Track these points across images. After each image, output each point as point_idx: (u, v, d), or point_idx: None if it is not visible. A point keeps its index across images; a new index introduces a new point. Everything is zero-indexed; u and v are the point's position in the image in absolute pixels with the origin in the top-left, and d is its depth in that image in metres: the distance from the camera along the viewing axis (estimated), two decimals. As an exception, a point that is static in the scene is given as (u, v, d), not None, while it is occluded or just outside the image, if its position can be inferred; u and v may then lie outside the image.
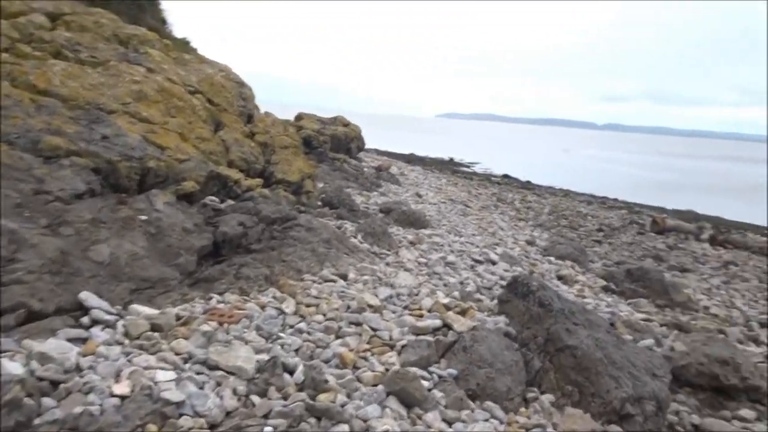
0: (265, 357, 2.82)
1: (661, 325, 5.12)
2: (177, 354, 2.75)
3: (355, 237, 5.45)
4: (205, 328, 3.04)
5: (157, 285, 3.45)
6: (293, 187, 6.10)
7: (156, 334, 2.88)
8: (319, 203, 6.79)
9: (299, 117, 13.95)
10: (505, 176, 29.22)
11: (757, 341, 5.66)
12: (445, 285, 4.72)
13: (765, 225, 20.08)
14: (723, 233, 15.45)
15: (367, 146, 36.12)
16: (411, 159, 31.70)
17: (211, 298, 3.56)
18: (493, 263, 6.05)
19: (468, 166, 36.14)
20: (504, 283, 5.17)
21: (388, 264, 5.00)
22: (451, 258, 5.53)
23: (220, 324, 3.18)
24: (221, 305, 3.48)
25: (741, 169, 67.39)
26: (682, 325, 5.14)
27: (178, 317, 3.14)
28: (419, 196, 10.41)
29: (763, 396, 3.94)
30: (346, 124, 14.06)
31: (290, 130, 6.93)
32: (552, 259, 7.55)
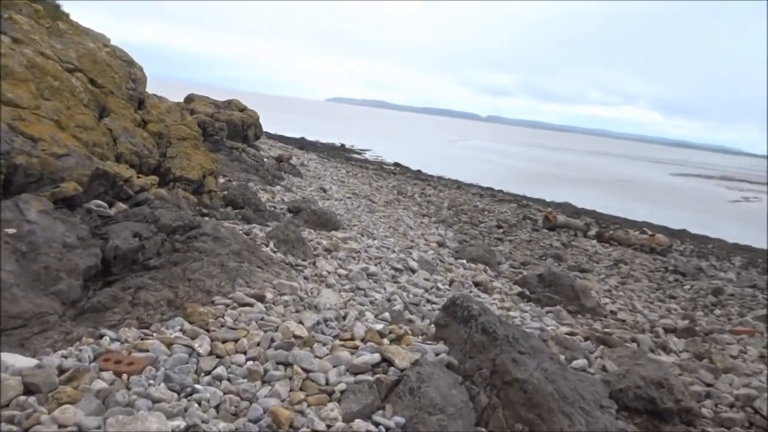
0: (180, 424, 2.23)
1: (585, 339, 5.03)
2: (62, 428, 2.09)
3: (267, 245, 4.86)
4: (99, 384, 2.38)
5: (31, 322, 2.72)
6: (194, 186, 5.35)
7: (32, 400, 2.20)
8: (222, 203, 6.09)
9: (189, 98, 12.83)
10: (397, 164, 29.59)
11: (666, 349, 5.78)
12: (371, 302, 4.29)
13: (635, 219, 21.70)
14: (604, 228, 16.34)
15: (258, 130, 34.53)
16: (303, 144, 31.08)
17: (102, 336, 2.88)
18: (413, 271, 5.72)
19: (360, 153, 36.14)
20: (430, 297, 4.84)
21: (306, 278, 4.48)
22: (372, 268, 5.10)
23: (118, 375, 2.53)
24: (116, 345, 2.81)
25: (611, 163, 73.00)
26: (603, 338, 5.08)
27: (62, 369, 2.46)
28: (324, 190, 9.88)
29: (696, 417, 3.92)
30: (243, 109, 13.11)
31: (188, 118, 6.12)
32: (464, 262, 7.38)
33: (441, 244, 8.02)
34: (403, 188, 15.93)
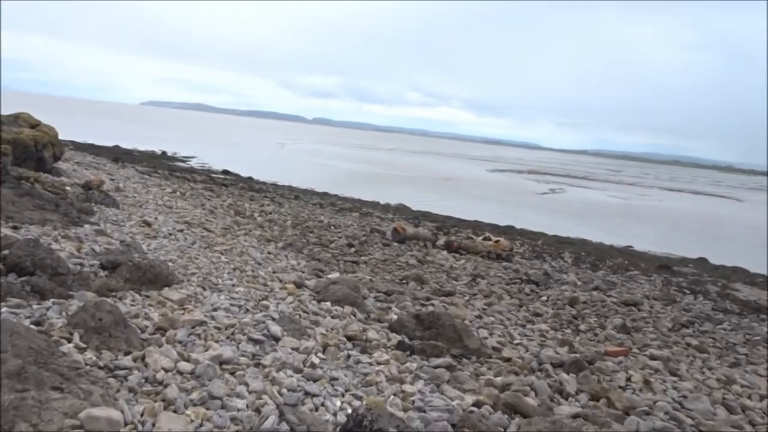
0: None
1: (493, 408, 4.22)
2: None
3: (70, 340, 3.36)
4: None
5: None
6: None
7: None
8: (-1, 269, 4.33)
9: (-41, 113, 10.12)
10: (226, 172, 28.18)
11: (563, 393, 5.24)
12: (233, 419, 3.03)
13: (467, 219, 22.40)
14: (447, 234, 16.33)
15: (63, 137, 30.84)
16: (117, 154, 27.98)
17: None
18: (276, 339, 4.51)
19: (184, 161, 33.75)
20: (309, 387, 3.69)
21: (133, 391, 3.08)
22: (226, 352, 3.81)
23: None
24: None
25: (434, 162, 76.80)
26: (513, 404, 4.32)
27: None
28: (148, 224, 8.13)
29: None
30: (35, 125, 10.57)
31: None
32: (329, 306, 6.30)
33: (299, 285, 6.84)
34: (239, 207, 14.40)
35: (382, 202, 24.20)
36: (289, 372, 3.87)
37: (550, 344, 6.86)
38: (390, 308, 7.15)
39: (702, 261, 18.12)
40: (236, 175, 27.64)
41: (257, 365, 3.89)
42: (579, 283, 11.55)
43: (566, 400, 5.12)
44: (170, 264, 6.04)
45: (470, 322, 7.30)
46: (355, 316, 6.27)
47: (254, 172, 29.13)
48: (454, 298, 8.64)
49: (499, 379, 5.20)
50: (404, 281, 9.41)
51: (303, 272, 8.10)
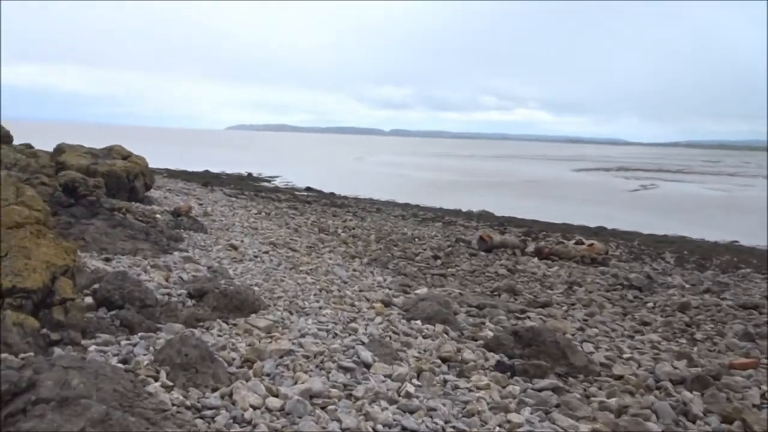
0: None
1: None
2: None
3: (157, 379, 3.24)
4: None
5: None
6: (36, 298, 3.60)
7: None
8: (89, 304, 4.34)
9: (59, 149, 10.69)
10: (309, 189, 28.67)
11: (688, 415, 4.65)
12: (327, 462, 2.78)
13: (555, 222, 21.43)
14: (536, 240, 15.61)
15: (156, 165, 32.62)
16: (206, 178, 29.14)
17: None
18: (368, 366, 4.25)
19: (268, 181, 34.68)
20: (405, 421, 3.38)
21: (221, 436, 2.89)
22: (315, 384, 3.58)
23: None
24: None
25: (515, 165, 75.07)
26: (632, 431, 3.82)
27: None
28: (234, 248, 8.17)
29: None
30: (126, 156, 11.03)
31: (28, 191, 4.31)
32: (419, 324, 5.99)
33: (387, 303, 6.58)
34: (323, 223, 14.41)
35: (464, 210, 23.80)
36: (384, 403, 3.59)
37: (665, 357, 6.20)
38: (484, 324, 6.75)
39: (825, 256, 16.33)
40: (319, 191, 28.09)
41: (349, 396, 3.64)
42: (687, 286, 10.62)
43: (693, 423, 4.53)
44: (256, 288, 5.95)
45: (572, 335, 6.76)
46: (447, 334, 5.92)
47: (335, 188, 29.52)
48: (552, 309, 8.10)
49: (613, 401, 4.68)
50: (495, 293, 8.96)
51: (390, 289, 7.84)
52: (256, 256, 7.96)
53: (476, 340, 6.01)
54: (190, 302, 4.99)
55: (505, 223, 19.84)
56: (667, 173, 66.28)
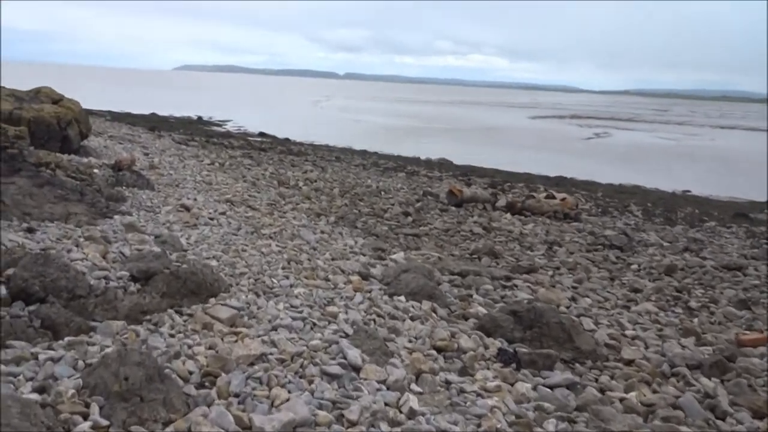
0: None
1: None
2: None
3: (86, 417, 2.38)
4: None
5: None
6: None
7: None
8: (1, 298, 3.37)
9: (-23, 92, 9.22)
10: (262, 134, 27.75)
11: (716, 410, 4.10)
12: None
13: (517, 171, 21.04)
14: (502, 191, 15.09)
15: (99, 108, 30.47)
16: (153, 122, 27.57)
17: None
18: (356, 369, 3.49)
19: (219, 125, 33.31)
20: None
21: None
22: (297, 406, 2.78)
23: None
24: None
25: (472, 112, 74.62)
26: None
27: None
28: (187, 209, 7.14)
29: None
30: (57, 100, 9.58)
31: None
32: (403, 300, 5.26)
33: (364, 276, 5.80)
34: (282, 175, 13.41)
35: (423, 158, 23.35)
36: (384, 426, 2.85)
37: (670, 334, 5.68)
38: (471, 296, 6.07)
39: (773, 204, 16.72)
40: (273, 137, 27.14)
41: (341, 419, 2.87)
42: (665, 244, 10.24)
43: (724, 420, 3.98)
44: (214, 263, 5.04)
45: (567, 308, 6.18)
46: (436, 312, 5.21)
47: (290, 133, 28.64)
48: (538, 276, 7.50)
49: (633, 396, 4.09)
50: (475, 256, 8.30)
51: (364, 255, 7.05)
52: (211, 219, 6.99)
53: (467, 319, 5.34)
54: (133, 287, 4.05)
55: (468, 173, 19.36)
56: (618, 121, 67.14)
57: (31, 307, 3.35)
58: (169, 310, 3.84)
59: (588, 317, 5.92)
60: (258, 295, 4.55)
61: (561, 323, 4.92)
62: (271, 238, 6.82)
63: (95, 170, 7.46)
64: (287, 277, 5.15)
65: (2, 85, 9.93)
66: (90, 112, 27.38)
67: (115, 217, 5.99)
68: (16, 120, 7.98)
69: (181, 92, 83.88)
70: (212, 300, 4.18)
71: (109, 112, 29.95)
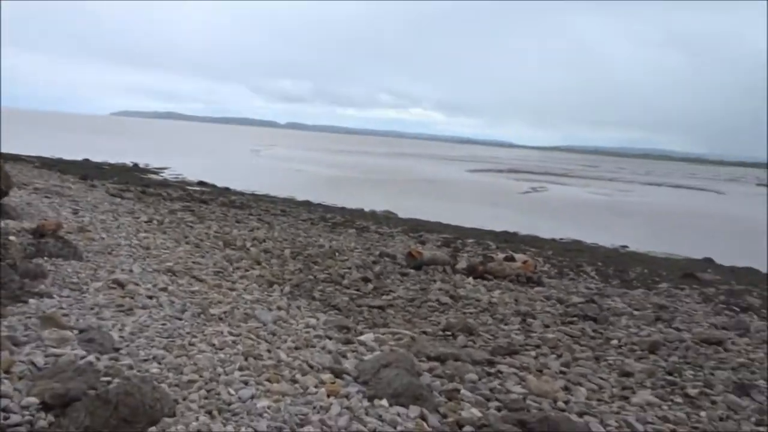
0: None
1: None
2: None
3: None
4: None
5: None
6: None
7: None
8: None
9: None
10: (201, 183, 26.80)
11: None
12: None
13: (465, 226, 20.74)
14: (459, 251, 14.59)
15: (28, 153, 28.53)
16: (86, 169, 26.09)
17: None
18: None
19: (156, 173, 31.99)
20: None
21: None
22: None
23: None
24: None
25: (411, 163, 75.55)
26: None
27: None
28: (121, 285, 6.03)
29: None
30: (-30, 152, 8.30)
31: None
32: (386, 405, 4.37)
33: (338, 373, 4.89)
34: (228, 234, 12.37)
35: (367, 209, 23.04)
36: None
37: (682, 433, 5.03)
38: (458, 392, 5.25)
39: (709, 261, 17.13)
40: (213, 185, 26.20)
41: None
42: (635, 312, 9.81)
43: None
44: (155, 368, 4.03)
45: (565, 403, 5.44)
46: (426, 421, 4.35)
47: (230, 182, 27.94)
48: (521, 358, 6.78)
49: None
50: (449, 333, 7.52)
51: (329, 338, 6.13)
52: (150, 297, 5.91)
53: (461, 426, 4.50)
54: (44, 420, 3.02)
55: (417, 227, 19.07)
56: (553, 176, 69.52)
57: None
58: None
59: (592, 416, 5.20)
60: (212, 416, 3.55)
61: (576, 436, 4.16)
62: (221, 320, 5.81)
63: (11, 237, 6.28)
64: (246, 383, 4.17)
65: None
66: (17, 158, 25.52)
67: (31, 301, 4.85)
68: None
69: (116, 138, 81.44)
70: (152, 430, 3.18)
71: (39, 157, 28.05)
